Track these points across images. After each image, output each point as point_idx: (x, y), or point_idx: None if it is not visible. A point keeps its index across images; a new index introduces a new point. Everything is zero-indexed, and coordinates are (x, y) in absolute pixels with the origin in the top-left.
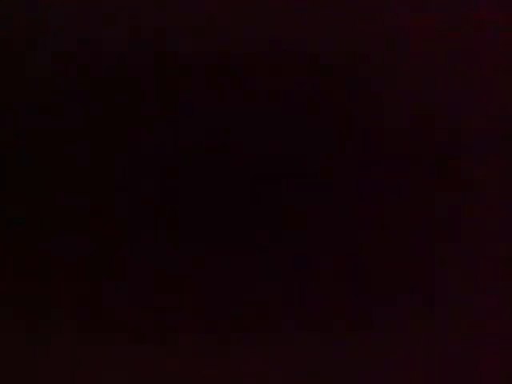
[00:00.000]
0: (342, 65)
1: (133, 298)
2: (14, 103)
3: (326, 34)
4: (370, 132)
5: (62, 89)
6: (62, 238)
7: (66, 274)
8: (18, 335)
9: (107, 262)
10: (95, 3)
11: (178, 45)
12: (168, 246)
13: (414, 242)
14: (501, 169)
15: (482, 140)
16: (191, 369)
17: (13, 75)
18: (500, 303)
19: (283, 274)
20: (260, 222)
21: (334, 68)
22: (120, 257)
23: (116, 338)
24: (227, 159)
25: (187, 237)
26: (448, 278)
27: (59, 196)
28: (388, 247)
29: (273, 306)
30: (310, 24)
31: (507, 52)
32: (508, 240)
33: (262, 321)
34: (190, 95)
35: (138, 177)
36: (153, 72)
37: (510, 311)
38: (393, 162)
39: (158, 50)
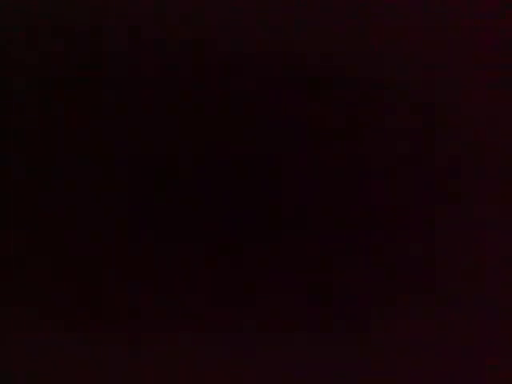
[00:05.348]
0: (342, 65)
1: (132, 297)
2: (14, 103)
3: (326, 34)
4: (370, 132)
5: (62, 88)
6: (62, 238)
7: (66, 273)
8: (18, 335)
9: (107, 261)
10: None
11: (178, 43)
12: (167, 245)
13: (414, 242)
14: (501, 169)
15: (483, 140)
16: (191, 369)
17: (13, 74)
18: (500, 303)
19: (282, 273)
20: (259, 222)
21: (334, 68)
22: (119, 256)
23: (115, 338)
24: (227, 159)
25: (185, 237)
26: (448, 278)
27: (58, 196)
28: (387, 247)
29: (272, 306)
30: (309, 24)
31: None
32: (508, 240)
33: (261, 321)
34: (188, 95)
35: (138, 176)
36: (152, 71)
37: (510, 311)
38: (392, 162)
39: (158, 48)
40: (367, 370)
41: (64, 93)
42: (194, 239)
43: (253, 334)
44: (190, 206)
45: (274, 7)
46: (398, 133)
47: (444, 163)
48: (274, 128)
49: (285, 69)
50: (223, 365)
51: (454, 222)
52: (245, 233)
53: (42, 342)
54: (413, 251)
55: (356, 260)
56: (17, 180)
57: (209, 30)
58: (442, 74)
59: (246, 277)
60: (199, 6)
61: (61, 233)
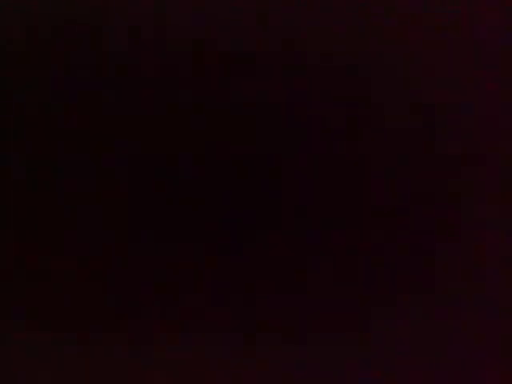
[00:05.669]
0: (343, 66)
1: (132, 297)
2: (15, 103)
3: (326, 33)
4: (370, 132)
5: (62, 88)
6: (62, 238)
7: (66, 273)
8: (18, 335)
9: (106, 261)
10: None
11: (178, 42)
12: (167, 245)
13: (414, 242)
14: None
15: (483, 141)
16: (190, 369)
17: (14, 75)
18: (500, 303)
19: (282, 273)
20: (259, 222)
21: (335, 68)
22: (119, 256)
23: (115, 338)
24: (227, 159)
25: (185, 237)
26: (448, 278)
27: (58, 195)
28: (387, 247)
29: (272, 306)
30: (309, 23)
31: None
32: (508, 240)
33: (262, 321)
34: (188, 95)
35: (138, 176)
36: (153, 71)
37: (510, 311)
38: (392, 162)
39: (159, 47)
40: (367, 370)
41: (64, 93)
42: (194, 239)
43: (253, 333)
44: (189, 206)
45: (274, 7)
46: (398, 133)
47: (444, 163)
48: (273, 128)
49: (285, 69)
50: (223, 365)
51: (454, 222)
52: (245, 233)
53: (42, 342)
54: (413, 251)
55: (356, 260)
56: (17, 180)
57: (209, 29)
58: (442, 73)
59: (245, 277)
60: (199, 5)
61: (61, 232)
